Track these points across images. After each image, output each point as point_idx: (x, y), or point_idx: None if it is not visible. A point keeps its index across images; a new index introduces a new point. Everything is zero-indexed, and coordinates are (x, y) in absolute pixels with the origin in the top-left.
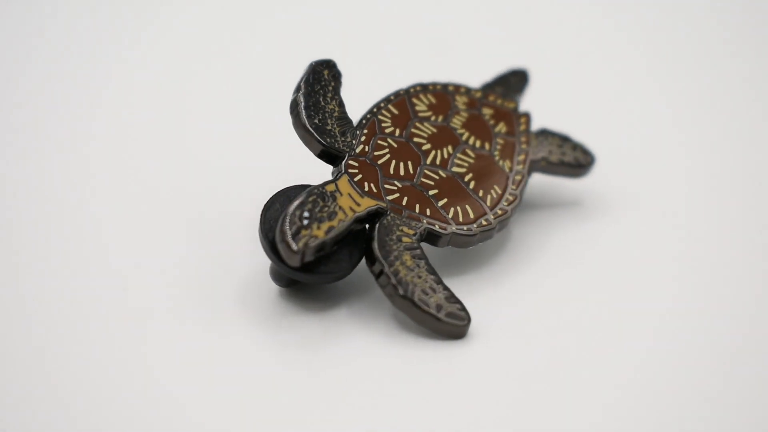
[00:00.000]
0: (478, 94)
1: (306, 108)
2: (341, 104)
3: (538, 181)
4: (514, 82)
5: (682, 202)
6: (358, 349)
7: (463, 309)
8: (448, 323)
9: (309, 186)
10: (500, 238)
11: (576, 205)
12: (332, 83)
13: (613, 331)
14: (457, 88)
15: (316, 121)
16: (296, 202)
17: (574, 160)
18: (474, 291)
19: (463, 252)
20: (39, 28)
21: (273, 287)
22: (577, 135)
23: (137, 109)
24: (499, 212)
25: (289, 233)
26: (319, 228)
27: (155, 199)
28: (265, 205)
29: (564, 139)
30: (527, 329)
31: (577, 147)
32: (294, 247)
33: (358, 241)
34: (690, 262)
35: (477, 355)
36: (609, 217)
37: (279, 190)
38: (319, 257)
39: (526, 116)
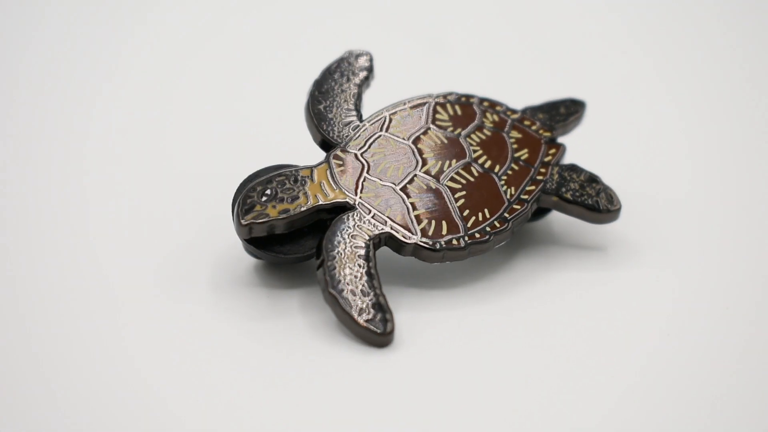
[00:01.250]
0: (514, 116)
1: (315, 92)
2: (356, 96)
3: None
4: (562, 111)
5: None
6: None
7: (386, 320)
8: (365, 329)
9: (292, 166)
10: (505, 264)
11: (599, 250)
12: (357, 74)
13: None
14: (493, 105)
15: (321, 107)
16: (263, 178)
17: (595, 203)
18: (440, 307)
19: (463, 268)
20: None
21: (248, 264)
22: (619, 176)
23: (123, 103)
24: (477, 236)
25: (241, 206)
26: (274, 208)
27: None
28: (246, 179)
29: (591, 179)
30: (466, 352)
31: (603, 191)
32: (241, 220)
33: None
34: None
35: (396, 365)
36: (618, 267)
37: (266, 167)
38: (282, 237)
39: (558, 147)
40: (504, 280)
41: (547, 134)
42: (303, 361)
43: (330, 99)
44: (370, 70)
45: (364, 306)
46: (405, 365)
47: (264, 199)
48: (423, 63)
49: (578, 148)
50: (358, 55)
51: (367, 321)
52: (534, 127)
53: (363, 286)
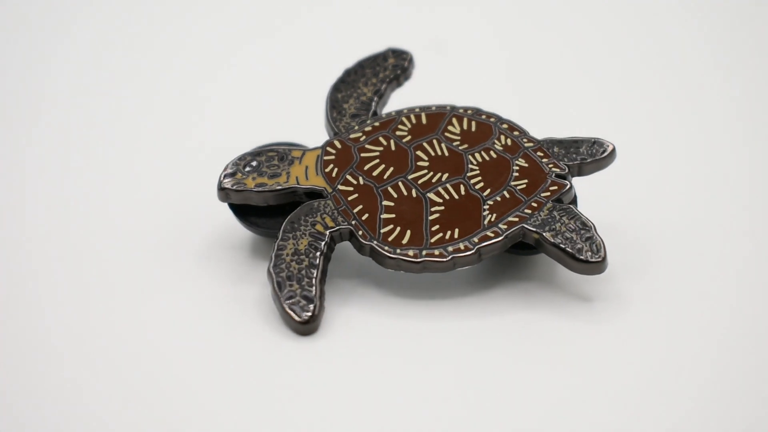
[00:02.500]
0: (528, 144)
1: (340, 80)
2: (378, 92)
3: None
4: (582, 150)
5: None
6: None
7: (308, 310)
8: (287, 313)
9: (297, 145)
10: (485, 290)
11: (585, 299)
12: (387, 72)
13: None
14: (512, 128)
15: (339, 95)
16: (256, 149)
17: (576, 251)
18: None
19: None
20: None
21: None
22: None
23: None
24: (435, 253)
25: (225, 171)
26: (253, 180)
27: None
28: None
29: (582, 225)
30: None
31: (591, 240)
32: (221, 184)
33: None
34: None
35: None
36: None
37: (278, 142)
38: (262, 210)
39: (561, 187)
40: (473, 306)
41: (557, 170)
42: (229, 341)
43: (350, 90)
44: (403, 70)
45: (295, 292)
46: (312, 357)
47: (248, 169)
48: (423, 64)
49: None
50: (396, 54)
51: (290, 306)
52: (545, 160)
53: (302, 273)
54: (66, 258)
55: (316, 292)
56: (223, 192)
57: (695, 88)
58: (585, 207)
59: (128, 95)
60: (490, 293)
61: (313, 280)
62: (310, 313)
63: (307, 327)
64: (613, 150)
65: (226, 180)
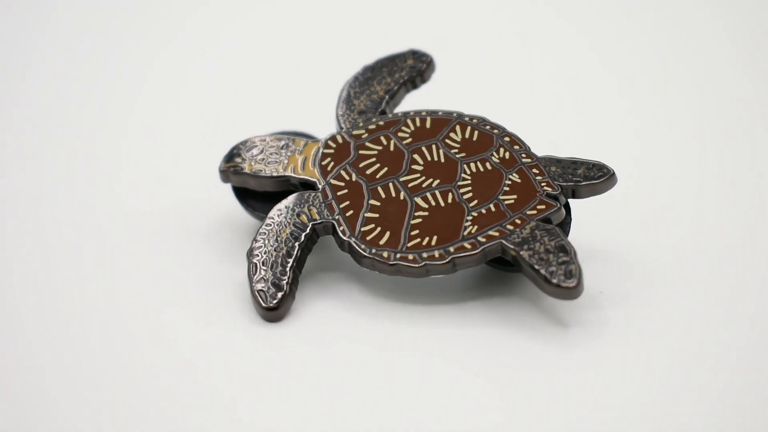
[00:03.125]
0: (526, 160)
1: (355, 77)
2: (389, 92)
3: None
4: (580, 173)
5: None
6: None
7: (275, 297)
8: (254, 297)
9: (307, 135)
10: (469, 300)
11: (564, 325)
12: (404, 73)
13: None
14: (514, 142)
15: (352, 91)
16: (261, 136)
17: (549, 273)
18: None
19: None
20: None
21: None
22: None
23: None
24: (409, 257)
25: (229, 152)
26: (251, 165)
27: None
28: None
29: (560, 248)
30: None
31: (567, 264)
32: (222, 165)
33: None
34: None
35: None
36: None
37: (287, 131)
38: (261, 194)
39: (549, 206)
40: (447, 315)
41: (549, 189)
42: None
43: (364, 86)
44: (420, 73)
45: (266, 278)
46: (272, 344)
47: (249, 153)
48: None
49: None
50: (416, 56)
51: (259, 291)
52: (539, 178)
53: (277, 260)
54: (69, 239)
55: (287, 281)
56: (223, 174)
57: (698, 112)
58: (582, 230)
59: (140, 76)
60: (468, 304)
61: (287, 269)
62: (276, 300)
63: (272, 314)
64: (613, 176)
65: (227, 162)
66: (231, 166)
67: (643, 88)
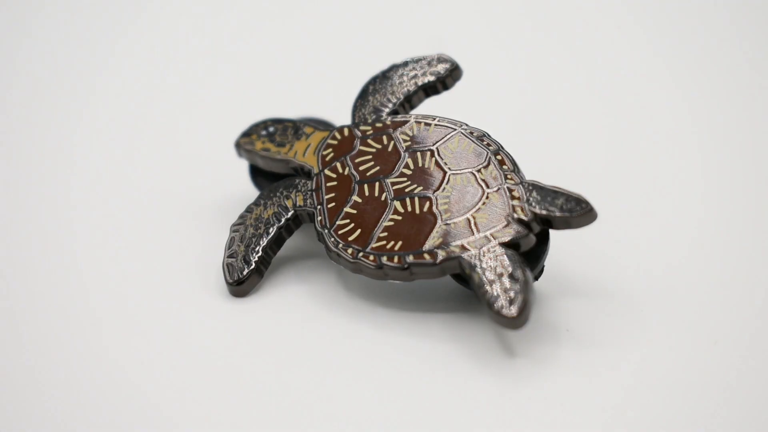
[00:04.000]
0: (510, 182)
1: (379, 74)
2: (409, 93)
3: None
4: (558, 202)
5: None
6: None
7: (241, 271)
8: (223, 270)
9: (327, 124)
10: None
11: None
12: (425, 76)
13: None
14: (503, 162)
15: (371, 87)
16: (281, 118)
17: (491, 299)
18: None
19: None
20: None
21: None
22: None
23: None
24: (370, 258)
25: (245, 130)
26: (262, 143)
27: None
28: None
29: (511, 275)
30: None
31: (514, 291)
32: (236, 140)
33: None
34: None
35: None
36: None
37: (319, 119)
38: (270, 174)
39: (516, 232)
40: (401, 322)
41: (521, 214)
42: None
43: (384, 84)
44: (442, 79)
45: (238, 252)
46: (231, 318)
47: (263, 133)
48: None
49: None
50: (441, 61)
51: (227, 264)
52: (515, 202)
53: (253, 237)
54: (87, 216)
55: (256, 258)
56: (237, 148)
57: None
58: (569, 262)
59: (163, 64)
60: (431, 315)
61: (259, 247)
62: (241, 276)
63: (236, 288)
64: (590, 212)
65: (241, 138)
66: (244, 142)
67: (630, 116)
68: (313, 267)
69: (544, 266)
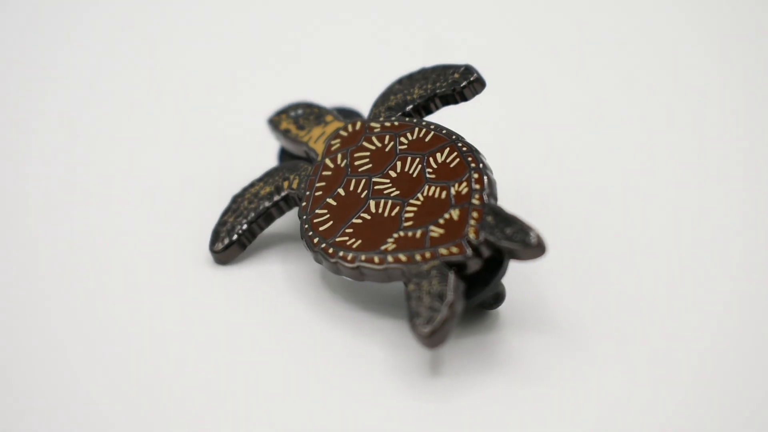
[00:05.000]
0: (475, 201)
1: (408, 75)
2: (427, 98)
3: None
4: (507, 231)
5: None
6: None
7: (221, 241)
8: (209, 242)
9: (357, 116)
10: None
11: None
12: (443, 84)
13: None
14: (480, 181)
15: (396, 86)
16: (313, 103)
17: (414, 315)
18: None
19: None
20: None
21: None
22: None
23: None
24: (330, 250)
25: (279, 109)
26: (287, 124)
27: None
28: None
29: (438, 295)
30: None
31: (432, 310)
32: (270, 116)
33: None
34: None
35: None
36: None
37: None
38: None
39: (460, 252)
40: (346, 316)
41: (473, 236)
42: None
43: (407, 86)
44: (460, 90)
45: (227, 222)
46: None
47: (292, 114)
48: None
49: None
50: (464, 72)
51: (214, 233)
52: (473, 222)
53: (245, 212)
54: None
55: (241, 231)
56: (268, 124)
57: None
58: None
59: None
60: (375, 314)
61: (247, 221)
62: (222, 245)
63: (216, 256)
64: (538, 248)
65: (274, 116)
66: (274, 120)
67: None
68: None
69: (503, 293)
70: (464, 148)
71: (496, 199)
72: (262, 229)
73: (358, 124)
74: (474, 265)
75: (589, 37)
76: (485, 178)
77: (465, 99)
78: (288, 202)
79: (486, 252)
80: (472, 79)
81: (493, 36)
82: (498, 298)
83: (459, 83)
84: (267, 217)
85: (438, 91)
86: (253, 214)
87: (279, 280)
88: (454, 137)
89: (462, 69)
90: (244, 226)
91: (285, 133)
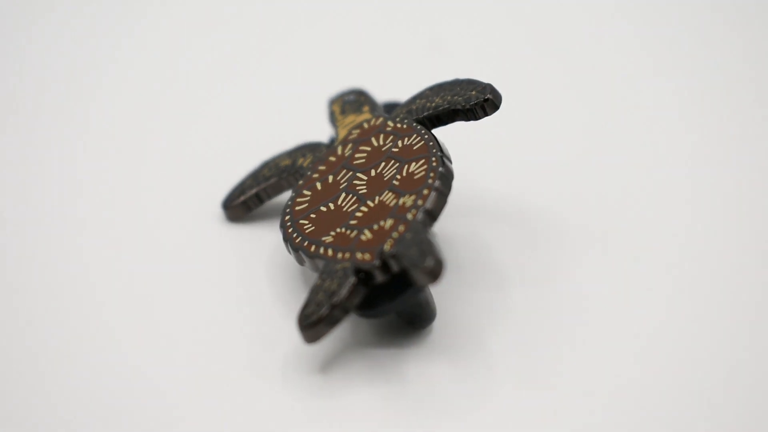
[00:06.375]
0: (409, 216)
1: (436, 84)
2: (438, 107)
3: None
4: (409, 253)
5: None
6: None
7: (232, 200)
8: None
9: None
10: None
11: None
12: (457, 99)
13: None
14: (425, 198)
15: (425, 91)
16: (364, 91)
17: (302, 309)
18: None
19: None
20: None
21: None
22: None
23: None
24: (289, 230)
25: (342, 91)
26: (337, 106)
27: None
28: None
29: (329, 298)
30: None
31: (309, 307)
32: (333, 96)
33: None
34: None
35: None
36: None
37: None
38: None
39: (371, 259)
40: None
41: (387, 247)
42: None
43: (435, 92)
44: (470, 107)
45: (245, 183)
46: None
47: (345, 99)
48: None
49: None
50: (480, 90)
51: (232, 189)
52: (395, 234)
53: (260, 177)
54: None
55: (249, 194)
56: (327, 103)
57: None
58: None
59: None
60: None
61: (257, 186)
62: (231, 203)
63: (225, 212)
64: (430, 274)
65: (333, 96)
66: (330, 101)
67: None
68: None
69: (422, 315)
70: (434, 163)
71: (434, 218)
72: (269, 197)
73: (379, 120)
74: (379, 277)
75: (590, 39)
76: (432, 195)
77: (475, 117)
78: (297, 178)
79: (395, 266)
80: (483, 98)
81: (493, 36)
82: (413, 318)
83: (471, 101)
84: (276, 187)
85: (450, 104)
86: (265, 182)
87: (269, 247)
88: (435, 150)
89: (481, 88)
90: (254, 191)
91: (330, 115)
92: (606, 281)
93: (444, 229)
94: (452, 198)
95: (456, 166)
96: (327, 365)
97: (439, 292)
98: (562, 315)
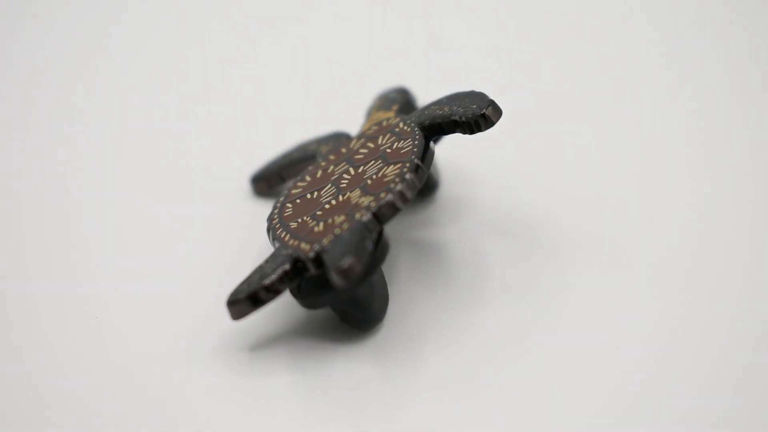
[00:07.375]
0: (358, 218)
1: (454, 93)
2: (442, 117)
3: None
4: (332, 253)
5: None
6: None
7: (256, 177)
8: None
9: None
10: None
11: None
12: (459, 111)
13: None
14: (380, 202)
15: (441, 98)
16: (407, 91)
17: (239, 284)
18: None
19: None
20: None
21: None
22: None
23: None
24: (276, 218)
25: (390, 88)
26: (378, 101)
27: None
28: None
29: (252, 283)
30: None
31: (240, 293)
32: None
33: None
34: None
35: None
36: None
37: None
38: None
39: (305, 252)
40: None
41: (325, 241)
42: None
43: (449, 100)
44: (468, 120)
45: (276, 163)
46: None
47: (388, 96)
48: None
49: None
50: (482, 106)
51: (262, 167)
52: (337, 231)
53: (289, 158)
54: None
55: (275, 166)
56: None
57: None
58: None
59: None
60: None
61: (280, 162)
62: (255, 178)
63: (251, 185)
64: (340, 274)
65: (382, 92)
66: (378, 96)
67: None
68: None
69: (374, 315)
70: (405, 169)
71: (380, 222)
72: (290, 177)
73: (395, 120)
74: (312, 269)
75: (586, 37)
76: (387, 199)
77: (471, 131)
78: (310, 161)
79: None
80: (480, 113)
81: (493, 36)
82: (351, 317)
83: (468, 113)
84: (297, 169)
85: (450, 114)
86: (289, 163)
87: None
88: (413, 157)
89: (482, 102)
90: (278, 170)
91: (370, 107)
92: (599, 285)
93: (431, 235)
94: (443, 203)
95: (451, 170)
96: (256, 347)
97: (406, 298)
98: (532, 333)
